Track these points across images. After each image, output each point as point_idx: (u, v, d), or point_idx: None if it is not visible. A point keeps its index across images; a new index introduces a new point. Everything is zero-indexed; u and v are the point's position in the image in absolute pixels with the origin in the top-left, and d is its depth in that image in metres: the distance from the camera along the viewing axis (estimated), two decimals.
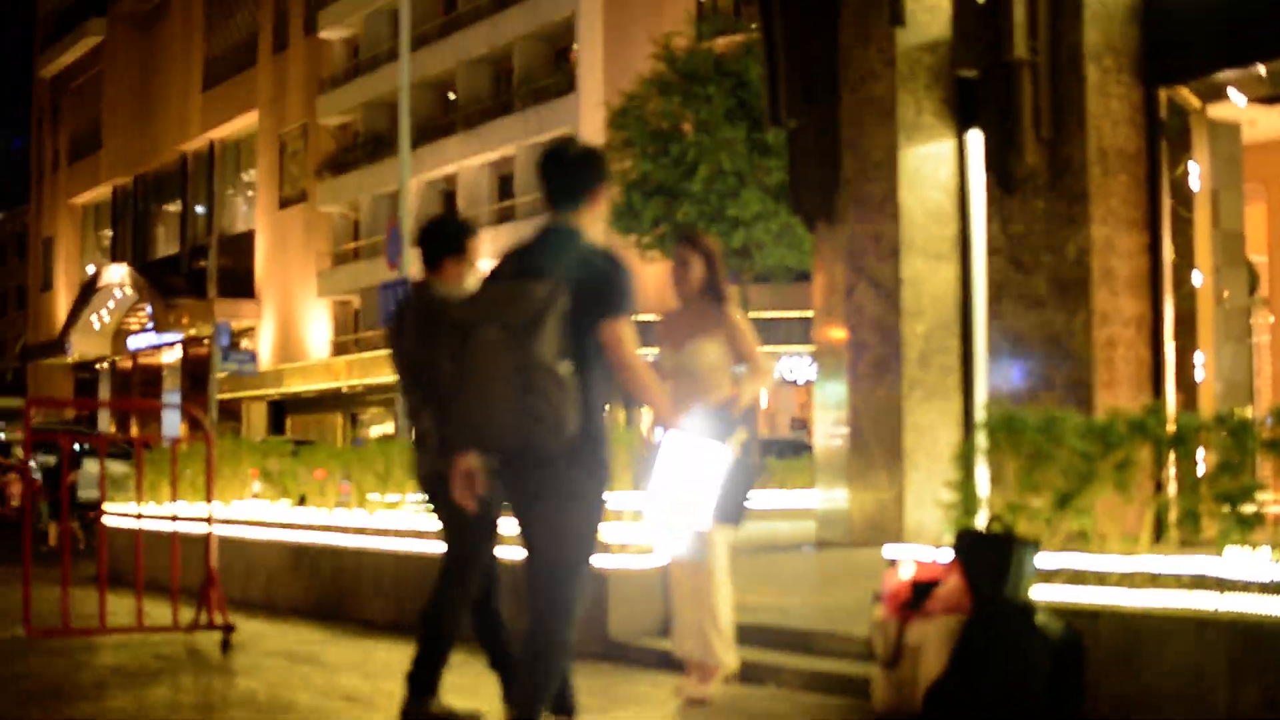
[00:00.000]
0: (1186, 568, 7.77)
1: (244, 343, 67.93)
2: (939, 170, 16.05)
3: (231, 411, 68.72)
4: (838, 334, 16.50)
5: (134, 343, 78.87)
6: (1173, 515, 8.29)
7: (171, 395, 76.57)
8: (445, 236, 8.28)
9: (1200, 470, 8.22)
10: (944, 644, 8.08)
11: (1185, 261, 14.37)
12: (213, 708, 9.33)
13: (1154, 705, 7.62)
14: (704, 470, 6.80)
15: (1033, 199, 14.29)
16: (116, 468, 24.62)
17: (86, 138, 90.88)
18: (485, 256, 8.60)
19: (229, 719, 8.90)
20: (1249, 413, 8.25)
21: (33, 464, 23.20)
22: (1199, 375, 14.36)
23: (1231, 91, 14.43)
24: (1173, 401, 13.92)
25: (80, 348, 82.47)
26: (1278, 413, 7.91)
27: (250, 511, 16.21)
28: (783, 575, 13.73)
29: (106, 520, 13.61)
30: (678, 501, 6.86)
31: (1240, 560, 7.63)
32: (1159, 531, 8.51)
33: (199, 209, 77.74)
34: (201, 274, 73.87)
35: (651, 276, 41.34)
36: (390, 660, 10.97)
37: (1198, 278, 14.41)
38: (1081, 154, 13.94)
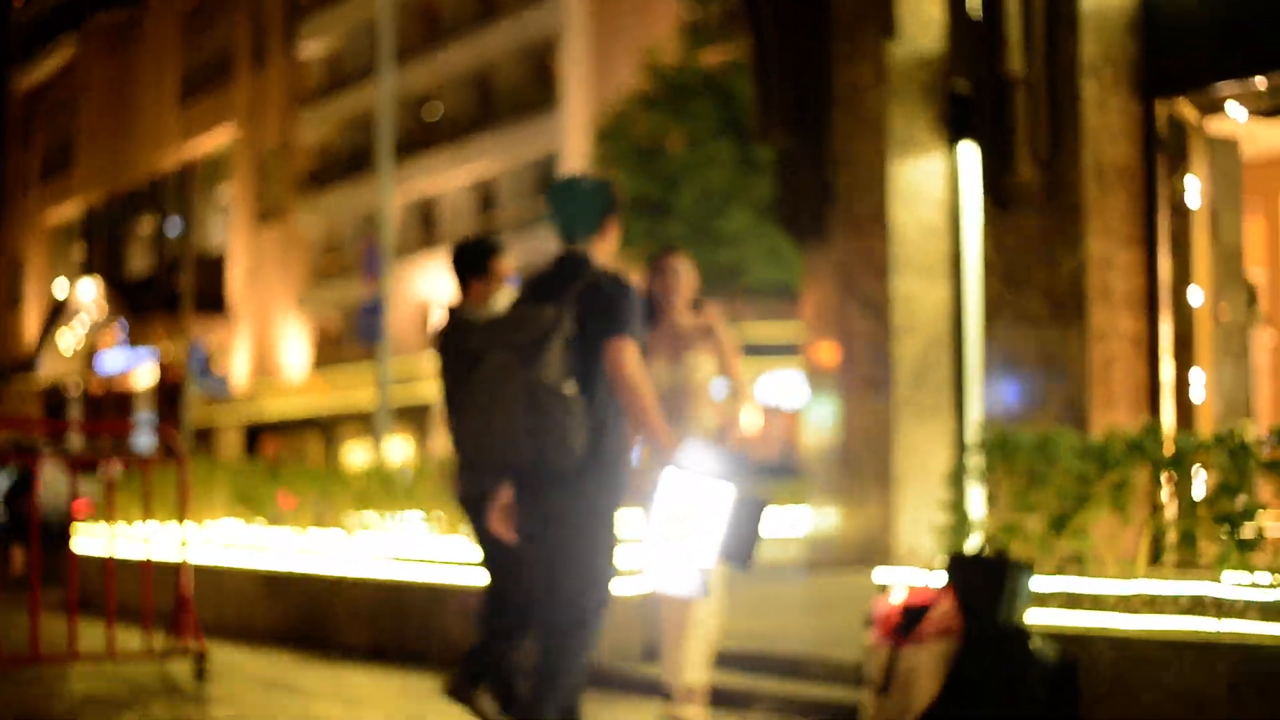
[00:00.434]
0: (1184, 591, 7.78)
1: (219, 363, 67.74)
2: (932, 186, 15.93)
3: (206, 434, 68.54)
4: (827, 353, 16.36)
5: (106, 363, 78.72)
6: (1170, 537, 8.32)
7: (144, 416, 76.48)
8: (469, 258, 8.46)
9: (1199, 491, 8.21)
10: (937, 670, 8.11)
11: (1183, 279, 14.21)
12: None
13: None
14: (706, 509, 6.57)
15: (1027, 215, 14.13)
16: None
17: (59, 154, 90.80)
18: (510, 274, 8.80)
19: None
20: (1248, 432, 8.15)
21: None
22: (1197, 394, 14.20)
23: (1231, 105, 14.25)
24: (1170, 421, 13.79)
25: (50, 368, 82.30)
26: (1277, 433, 7.90)
27: (225, 535, 16.01)
28: (772, 599, 13.63)
29: (76, 545, 13.37)
30: (678, 540, 6.65)
31: (1239, 583, 7.58)
32: (1156, 554, 8.49)
33: (173, 227, 77.60)
34: (176, 292, 73.77)
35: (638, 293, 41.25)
36: (368, 687, 10.85)
37: (1196, 295, 14.23)
38: (1077, 169, 13.78)
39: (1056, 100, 14.00)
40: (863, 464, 15.83)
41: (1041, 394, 14.03)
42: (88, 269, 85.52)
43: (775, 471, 33.32)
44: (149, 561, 12.50)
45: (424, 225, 59.19)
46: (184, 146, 75.76)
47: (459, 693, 7.88)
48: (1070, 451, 8.42)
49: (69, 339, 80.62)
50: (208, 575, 15.28)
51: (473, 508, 8.12)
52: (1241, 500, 7.85)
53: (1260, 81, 13.96)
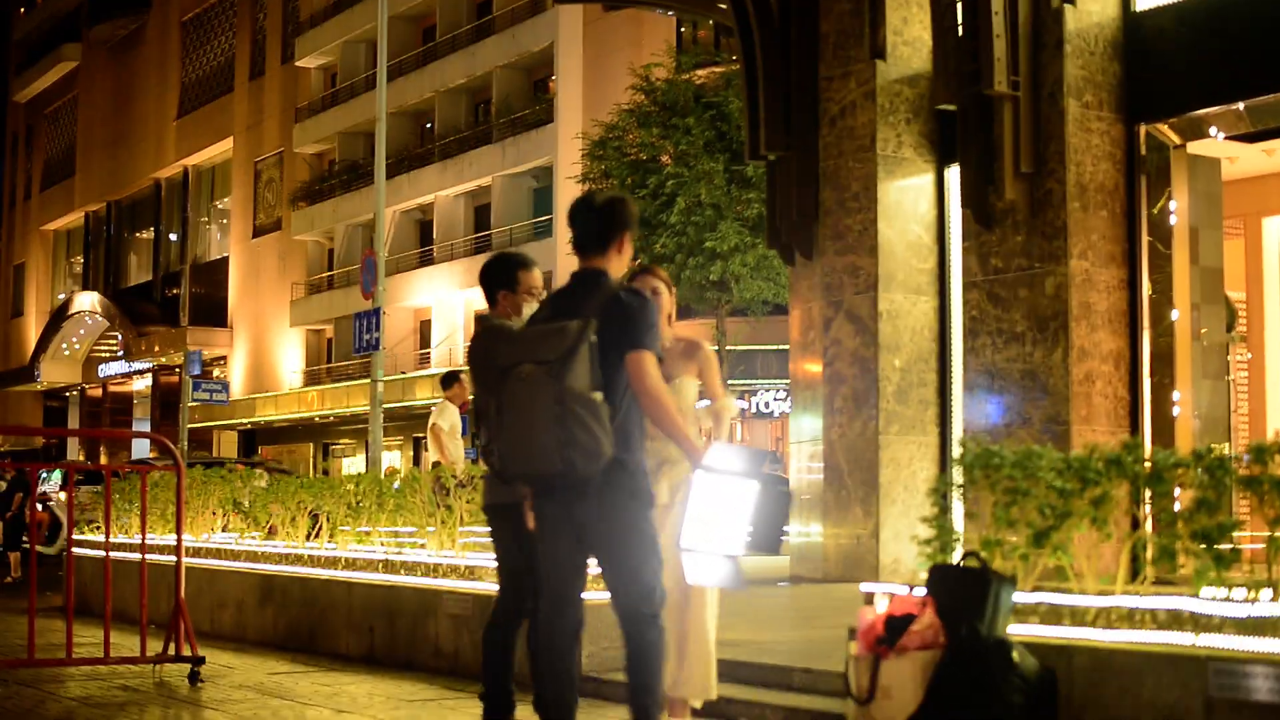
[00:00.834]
0: (1163, 605, 7.72)
1: (216, 372, 67.72)
2: (918, 203, 16.04)
3: (202, 440, 68.49)
4: (814, 367, 16.47)
5: (105, 370, 78.64)
6: (1149, 552, 8.25)
7: (142, 424, 76.38)
8: (498, 272, 8.55)
9: (1177, 507, 8.18)
10: (919, 680, 8.05)
11: (1164, 297, 14.34)
12: None
13: None
14: (734, 504, 7.01)
15: (1011, 233, 14.27)
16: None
17: (60, 163, 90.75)
18: (539, 287, 8.94)
19: None
20: (1226, 450, 8.19)
21: None
22: (1176, 412, 14.32)
23: (1211, 128, 14.41)
24: (1150, 438, 13.87)
25: (50, 375, 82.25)
26: (1255, 450, 7.85)
27: (220, 541, 16.10)
28: (757, 611, 13.65)
29: (74, 550, 13.46)
30: (710, 536, 7.07)
31: (1217, 598, 7.58)
32: (1135, 569, 8.47)
33: (172, 236, 77.59)
34: (174, 302, 73.75)
35: None
36: (359, 693, 10.88)
37: (1176, 314, 14.37)
38: (1061, 189, 13.93)
39: (1040, 121, 14.15)
40: (847, 477, 15.91)
41: (1024, 410, 14.14)
42: (87, 277, 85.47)
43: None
44: (144, 566, 12.58)
45: (419, 237, 59.19)
46: (183, 157, 75.73)
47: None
48: (1051, 467, 8.37)
49: (68, 347, 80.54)
50: (203, 581, 15.38)
51: (501, 515, 8.25)
52: (1219, 516, 7.85)
53: (1240, 106, 14.13)
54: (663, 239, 32.27)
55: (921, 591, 8.44)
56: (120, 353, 75.63)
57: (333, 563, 13.85)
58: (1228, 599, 7.56)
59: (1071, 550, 8.26)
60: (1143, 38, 14.35)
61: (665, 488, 8.25)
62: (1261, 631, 7.18)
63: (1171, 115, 14.39)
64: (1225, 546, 7.68)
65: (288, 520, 15.20)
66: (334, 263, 63.44)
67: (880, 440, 15.69)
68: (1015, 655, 7.83)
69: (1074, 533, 8.24)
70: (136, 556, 13.41)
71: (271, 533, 15.70)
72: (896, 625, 8.32)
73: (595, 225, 7.17)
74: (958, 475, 8.81)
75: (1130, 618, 7.80)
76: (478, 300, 53.50)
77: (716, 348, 34.10)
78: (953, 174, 15.70)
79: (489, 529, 8.51)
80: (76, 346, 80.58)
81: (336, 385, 59.53)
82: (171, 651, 11.82)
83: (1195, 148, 14.67)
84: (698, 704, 8.85)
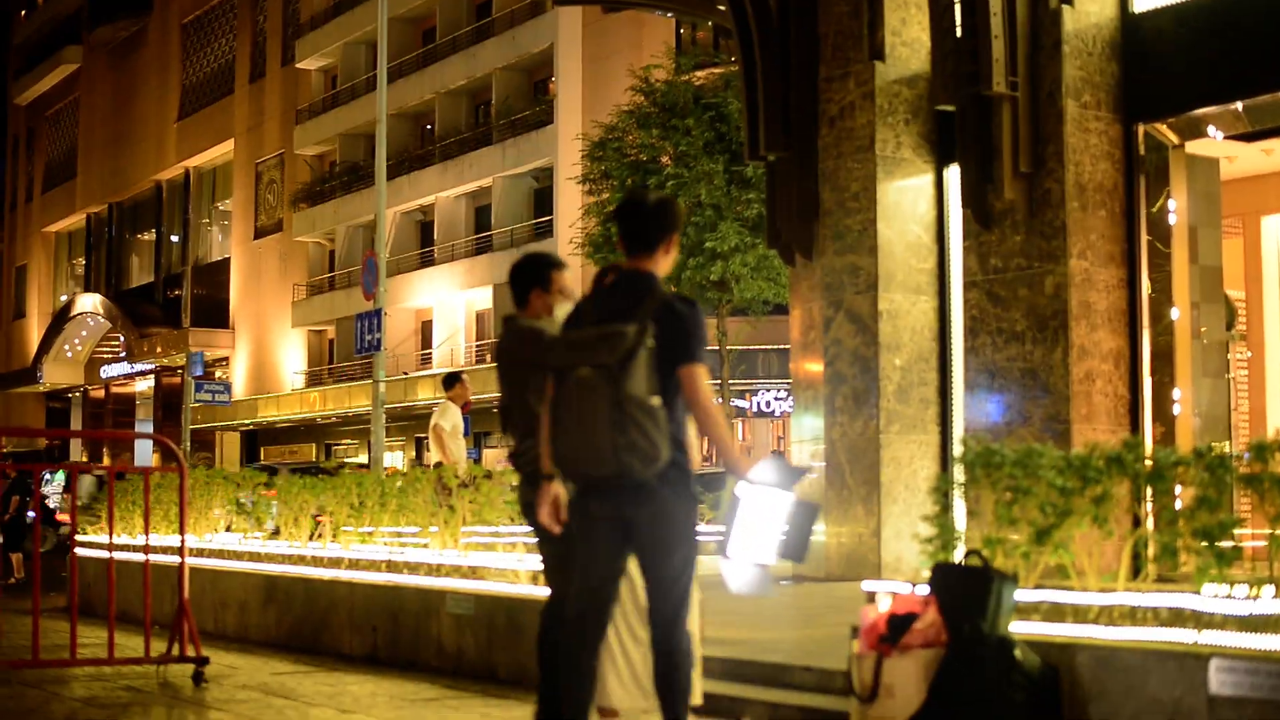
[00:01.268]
0: (1165, 603, 7.73)
1: (218, 373, 67.74)
2: (917, 204, 16.07)
3: (205, 441, 68.54)
4: (815, 367, 16.49)
5: (107, 372, 78.66)
6: (1151, 550, 8.26)
7: (144, 425, 76.41)
8: (531, 272, 8.48)
9: (1178, 505, 8.19)
10: (921, 679, 8.06)
11: (1163, 296, 14.37)
12: None
13: None
14: (771, 513, 7.11)
15: (1011, 233, 14.31)
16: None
17: (61, 165, 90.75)
18: (570, 287, 8.97)
19: None
20: (1226, 448, 8.21)
21: None
22: (1177, 410, 14.35)
23: (1210, 128, 14.45)
24: (1150, 436, 13.91)
25: (52, 376, 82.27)
26: (1255, 448, 7.86)
27: (223, 542, 16.13)
28: (759, 609, 13.67)
29: (77, 551, 13.50)
30: (749, 545, 7.14)
31: (1218, 595, 7.59)
32: (1137, 566, 8.48)
33: (174, 238, 77.61)
34: (176, 303, 73.75)
35: None
36: (363, 693, 10.92)
37: (1175, 313, 14.40)
38: (1060, 188, 13.96)
39: (1039, 121, 14.18)
40: (849, 477, 15.94)
41: (1024, 409, 14.17)
42: (89, 279, 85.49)
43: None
44: (148, 566, 12.62)
45: (420, 238, 59.21)
46: (184, 159, 75.75)
47: None
48: (1052, 465, 8.38)
49: (71, 348, 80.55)
50: (207, 581, 15.42)
51: (530, 516, 8.21)
52: (1220, 514, 7.85)
53: (1239, 105, 14.16)
54: None
55: (924, 590, 8.46)
56: (122, 354, 75.65)
57: (336, 563, 13.88)
58: (1229, 596, 7.57)
59: (1073, 548, 8.27)
60: (1141, 38, 14.38)
61: None
62: (1263, 628, 7.20)
63: (1170, 115, 14.42)
64: (1226, 544, 7.69)
65: (290, 521, 15.24)
66: (335, 264, 63.46)
67: (881, 439, 15.72)
68: (1018, 653, 7.85)
69: (1075, 531, 8.25)
70: (140, 557, 13.45)
71: (275, 533, 15.75)
72: (899, 624, 8.34)
73: (646, 226, 7.16)
74: (959, 474, 8.82)
75: (1132, 615, 7.81)
76: (479, 301, 53.57)
77: (717, 348, 34.12)
78: (952, 174, 15.71)
79: (531, 529, 8.45)
80: (79, 348, 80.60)
81: (338, 386, 59.54)
82: (175, 652, 11.86)
83: (1194, 147, 14.70)
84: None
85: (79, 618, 12.48)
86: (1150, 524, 8.34)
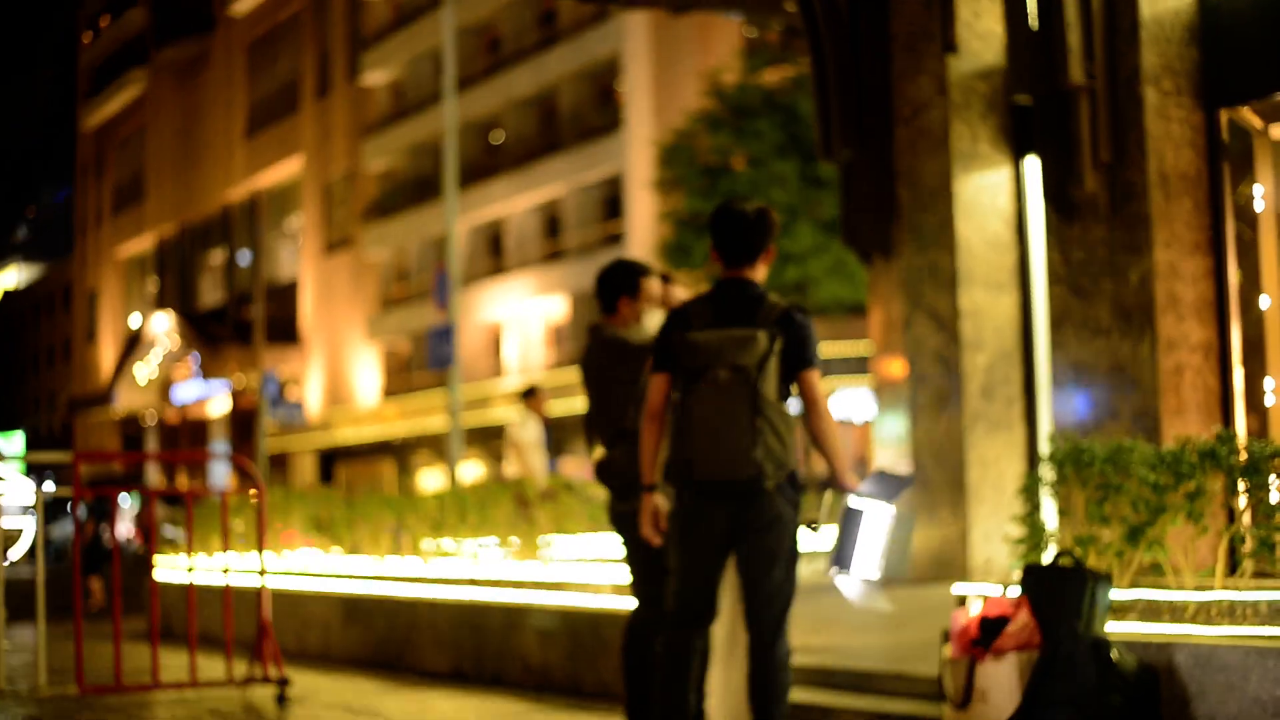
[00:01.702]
0: (1264, 598, 7.69)
1: (291, 391, 68.07)
2: (996, 199, 15.91)
3: (280, 461, 68.86)
4: (896, 368, 16.36)
5: (180, 394, 79.22)
6: (1247, 545, 8.19)
7: (219, 446, 76.94)
8: (620, 279, 8.52)
9: (1275, 498, 8.12)
10: (1016, 683, 8.06)
11: (1252, 285, 14.14)
12: None
13: None
14: (876, 526, 7.34)
15: (1093, 225, 14.10)
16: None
17: (130, 188, 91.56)
18: (658, 295, 9.02)
19: None
20: None
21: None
22: (1270, 401, 14.12)
23: None
24: (1243, 428, 13.71)
25: (126, 400, 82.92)
26: None
27: (303, 562, 16.11)
28: (846, 615, 13.60)
29: (157, 574, 13.49)
30: (856, 557, 7.35)
31: None
32: (1234, 562, 8.40)
33: (244, 257, 78.10)
34: (248, 322, 74.21)
35: None
36: (449, 710, 10.88)
37: (1265, 301, 14.17)
38: (1142, 178, 13.75)
39: (1118, 110, 13.97)
40: (935, 478, 15.80)
41: (1112, 404, 13.98)
42: (161, 301, 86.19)
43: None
44: (229, 589, 12.60)
45: (491, 250, 59.32)
46: (252, 177, 76.25)
47: None
48: (1143, 461, 8.35)
49: (144, 371, 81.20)
50: (287, 602, 15.39)
51: (619, 525, 8.27)
52: None
53: None
54: None
55: (1015, 592, 8.43)
56: (196, 375, 76.18)
57: (417, 579, 13.82)
58: None
59: (1167, 545, 8.27)
60: (1220, 21, 14.15)
61: None
62: None
63: (1253, 99, 14.18)
64: None
65: (370, 538, 15.19)
66: (407, 278, 63.67)
67: (966, 439, 15.55)
68: (1114, 654, 7.80)
69: (1169, 527, 8.24)
70: (220, 580, 13.43)
71: (355, 551, 15.70)
72: (991, 627, 8.30)
73: (748, 236, 7.25)
74: (1048, 472, 8.79)
75: (1231, 612, 7.78)
76: (551, 311, 53.62)
77: None
78: (1030, 167, 15.58)
79: (621, 540, 8.37)
80: (152, 371, 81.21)
81: (413, 401, 59.70)
82: (258, 673, 11.86)
83: (1278, 131, 14.46)
84: None
85: (160, 641, 12.45)
86: (1246, 518, 8.32)
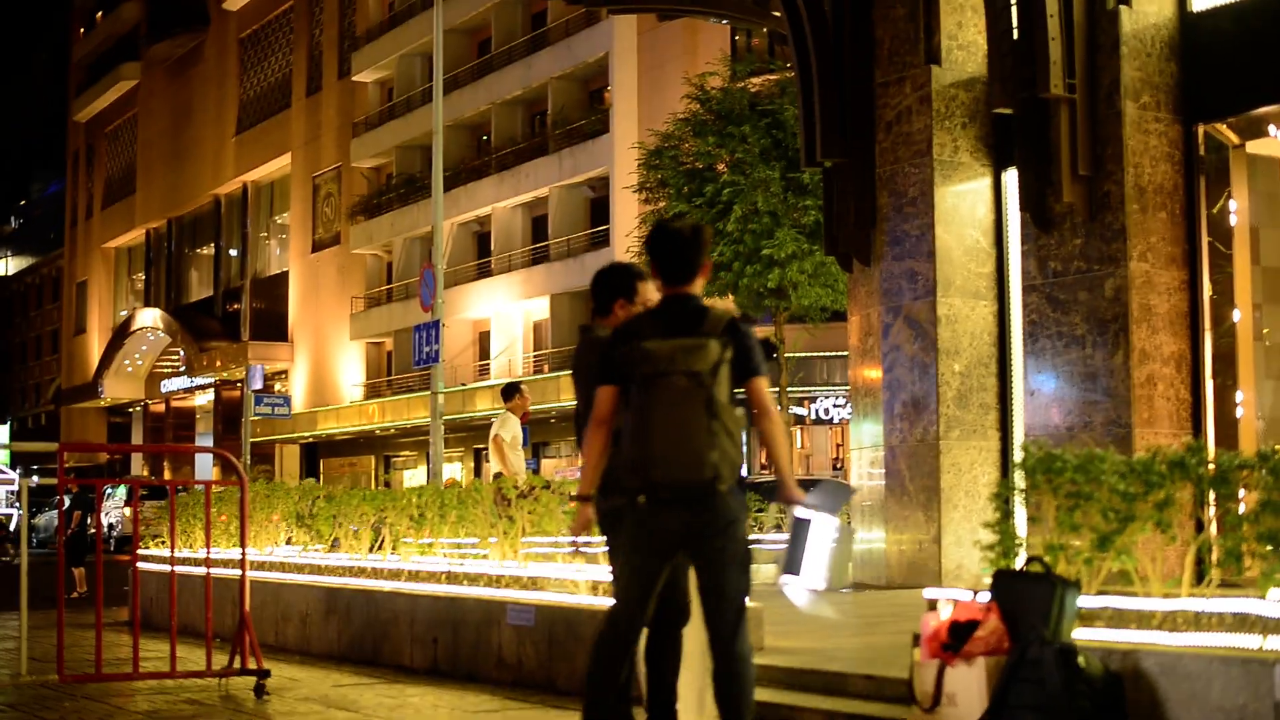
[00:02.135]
0: (1230, 608, 7.68)
1: (277, 386, 68.05)
2: (976, 208, 16.00)
3: (264, 454, 68.82)
4: (874, 373, 16.44)
5: (167, 386, 79.15)
6: (1214, 555, 8.20)
7: (204, 438, 76.84)
8: (617, 281, 8.54)
9: (1242, 509, 8.13)
10: (984, 687, 8.02)
11: (1225, 298, 14.26)
12: None
13: None
14: (821, 537, 7.41)
15: (1070, 236, 14.23)
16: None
17: (120, 182, 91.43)
18: (653, 300, 9.12)
19: None
20: None
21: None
22: (1239, 413, 14.24)
23: (1271, 128, 14.33)
24: (1212, 439, 13.79)
25: (113, 391, 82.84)
26: None
27: (284, 555, 16.16)
28: (819, 618, 13.64)
29: (139, 565, 13.54)
30: (801, 568, 7.41)
31: None
32: (1201, 572, 8.41)
33: (232, 252, 78.07)
34: (235, 317, 74.18)
35: None
36: (424, 705, 10.91)
37: (1238, 315, 14.29)
38: (1119, 190, 13.88)
39: (1097, 122, 14.09)
40: (909, 483, 15.88)
41: (1085, 414, 14.08)
42: (149, 294, 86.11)
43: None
44: (209, 580, 12.65)
45: (477, 249, 59.33)
46: (242, 173, 76.17)
47: None
48: (1114, 470, 8.34)
49: (131, 363, 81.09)
50: (267, 595, 15.45)
51: (616, 522, 8.20)
52: None
53: None
54: (720, 247, 32.17)
55: (985, 597, 8.42)
56: (182, 368, 76.12)
57: (396, 575, 13.89)
58: None
59: (1136, 554, 8.22)
60: (1200, 38, 14.28)
61: None
62: None
63: (1230, 115, 14.32)
64: None
65: (350, 533, 15.25)
66: (393, 276, 63.64)
67: (941, 445, 15.65)
68: (1081, 660, 7.79)
69: (1138, 536, 8.20)
70: (201, 571, 13.49)
71: (335, 546, 15.77)
72: (961, 631, 8.29)
73: (685, 254, 7.40)
74: (1020, 480, 8.78)
75: (1197, 621, 7.75)
76: (536, 311, 53.65)
77: (775, 355, 34.05)
78: (1010, 178, 15.65)
79: (605, 539, 8.44)
80: (139, 362, 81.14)
81: (397, 397, 59.70)
82: (237, 665, 11.89)
83: (1254, 147, 14.58)
84: None
85: (141, 632, 12.51)
86: (1214, 529, 8.29)
